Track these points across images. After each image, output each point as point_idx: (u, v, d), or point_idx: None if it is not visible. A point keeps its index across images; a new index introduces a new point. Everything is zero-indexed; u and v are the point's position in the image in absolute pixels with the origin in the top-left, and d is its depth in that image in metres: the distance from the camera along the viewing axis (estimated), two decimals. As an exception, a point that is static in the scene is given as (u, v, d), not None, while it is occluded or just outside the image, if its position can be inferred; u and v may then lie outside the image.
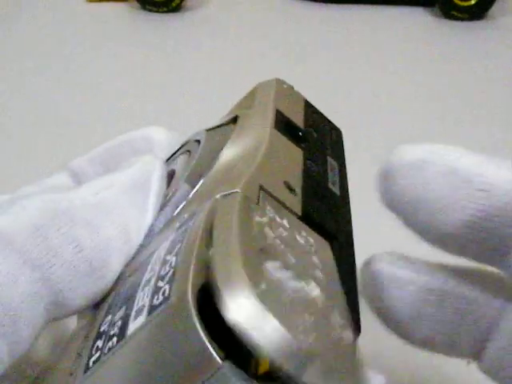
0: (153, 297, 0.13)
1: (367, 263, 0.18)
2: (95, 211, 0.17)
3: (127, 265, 0.17)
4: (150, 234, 0.18)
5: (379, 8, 0.76)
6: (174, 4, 0.73)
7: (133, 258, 0.17)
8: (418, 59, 0.66)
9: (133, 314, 0.14)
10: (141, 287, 0.14)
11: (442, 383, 0.32)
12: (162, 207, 0.18)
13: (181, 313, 0.12)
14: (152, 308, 0.13)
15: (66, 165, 0.22)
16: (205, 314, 0.12)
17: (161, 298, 0.13)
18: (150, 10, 0.74)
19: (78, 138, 0.51)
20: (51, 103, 0.56)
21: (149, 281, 0.14)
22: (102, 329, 0.15)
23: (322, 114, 0.23)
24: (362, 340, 0.15)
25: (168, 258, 0.14)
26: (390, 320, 0.18)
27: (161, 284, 0.13)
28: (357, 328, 0.15)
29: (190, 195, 0.17)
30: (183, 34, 0.70)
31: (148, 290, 0.14)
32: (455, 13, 0.73)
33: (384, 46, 0.69)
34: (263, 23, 0.74)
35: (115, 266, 0.17)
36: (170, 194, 0.18)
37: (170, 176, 0.19)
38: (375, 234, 0.30)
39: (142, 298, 0.14)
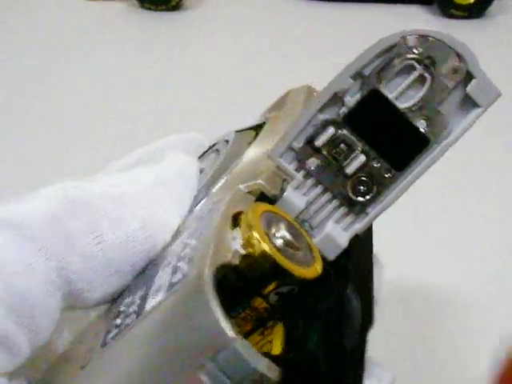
0: (172, 275, 0.14)
1: None
2: (116, 203, 0.16)
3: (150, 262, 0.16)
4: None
5: (378, 6, 0.76)
6: (172, 3, 0.73)
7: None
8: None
9: (151, 292, 0.14)
10: (161, 268, 0.15)
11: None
12: (192, 206, 0.18)
13: (198, 289, 0.12)
14: (170, 285, 0.13)
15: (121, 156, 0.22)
16: (221, 292, 0.12)
17: (179, 276, 0.13)
18: (149, 9, 0.74)
19: (77, 137, 0.51)
20: (51, 102, 0.56)
21: (169, 262, 0.14)
22: (121, 309, 0.15)
23: None
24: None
25: (189, 241, 0.14)
26: None
27: (180, 264, 0.14)
28: (369, 320, 0.16)
29: (214, 189, 0.18)
30: (182, 33, 0.70)
31: (168, 269, 0.14)
32: (454, 11, 0.73)
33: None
34: (262, 22, 0.74)
35: (134, 262, 0.16)
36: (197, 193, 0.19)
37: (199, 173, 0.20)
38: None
39: (161, 277, 0.14)
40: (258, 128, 0.22)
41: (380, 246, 0.20)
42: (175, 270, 0.14)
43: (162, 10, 0.74)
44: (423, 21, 0.74)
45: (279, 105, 0.23)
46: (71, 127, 0.53)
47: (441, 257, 0.39)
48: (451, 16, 0.73)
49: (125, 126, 0.52)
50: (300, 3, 0.77)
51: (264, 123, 0.22)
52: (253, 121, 0.23)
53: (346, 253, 0.16)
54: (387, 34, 0.59)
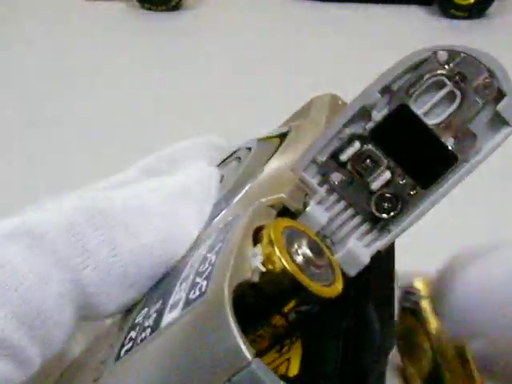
0: (189, 291, 0.13)
1: None
2: (136, 215, 0.16)
3: (167, 273, 0.16)
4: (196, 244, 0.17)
5: (378, 7, 0.76)
6: (172, 3, 0.73)
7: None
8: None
9: (168, 307, 0.14)
10: (179, 282, 0.14)
11: None
12: (212, 217, 0.18)
13: (215, 309, 0.12)
14: (187, 302, 0.13)
15: (136, 161, 0.21)
16: (239, 310, 0.12)
17: (197, 292, 0.13)
18: (149, 9, 0.74)
19: (76, 137, 0.51)
20: (50, 102, 0.56)
21: (187, 276, 0.14)
22: (136, 321, 0.15)
23: None
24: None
25: (208, 255, 0.14)
26: None
27: (198, 280, 0.13)
28: (390, 342, 0.16)
29: (235, 200, 0.18)
30: (182, 33, 0.70)
31: (185, 285, 0.14)
32: (454, 11, 0.73)
33: (382, 44, 0.69)
34: (262, 22, 0.74)
35: (150, 275, 0.16)
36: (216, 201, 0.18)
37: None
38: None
39: (179, 293, 0.14)
40: (281, 137, 0.21)
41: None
42: (193, 286, 0.13)
43: (162, 10, 0.74)
44: (423, 21, 0.74)
45: (303, 113, 0.23)
46: (70, 126, 0.53)
47: (440, 256, 0.39)
48: (451, 16, 0.73)
49: (124, 125, 0.52)
50: (300, 3, 0.77)
51: (288, 132, 0.21)
52: (276, 129, 0.23)
53: (367, 270, 0.16)
54: (387, 35, 0.59)
